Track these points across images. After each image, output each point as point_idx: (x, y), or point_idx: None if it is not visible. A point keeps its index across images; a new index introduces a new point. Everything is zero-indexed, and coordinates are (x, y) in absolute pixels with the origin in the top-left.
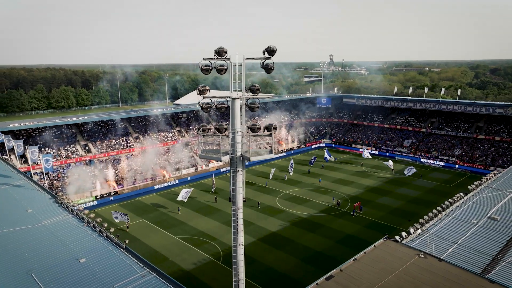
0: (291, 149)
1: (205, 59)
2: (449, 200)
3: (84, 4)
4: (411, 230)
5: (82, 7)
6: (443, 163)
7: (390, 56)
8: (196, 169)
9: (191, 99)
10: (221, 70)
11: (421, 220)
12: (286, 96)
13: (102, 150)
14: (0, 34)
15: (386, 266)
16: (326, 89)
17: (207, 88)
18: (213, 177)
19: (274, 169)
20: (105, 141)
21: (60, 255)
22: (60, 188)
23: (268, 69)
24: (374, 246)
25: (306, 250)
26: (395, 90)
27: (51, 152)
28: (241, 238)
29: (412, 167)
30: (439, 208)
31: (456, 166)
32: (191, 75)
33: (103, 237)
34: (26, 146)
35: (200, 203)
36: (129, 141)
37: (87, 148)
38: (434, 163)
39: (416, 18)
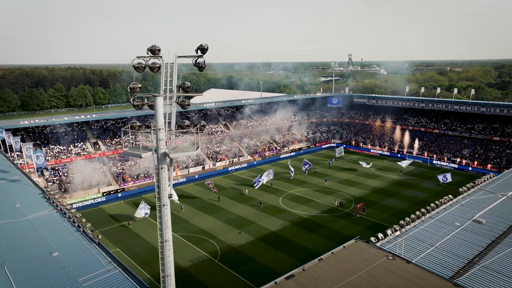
0: (300, 149)
1: (138, 57)
2: (436, 202)
3: (108, 4)
4: (389, 231)
5: (105, 7)
6: (455, 165)
7: (415, 56)
8: (203, 168)
9: (203, 98)
10: (153, 68)
11: (401, 222)
12: (295, 96)
13: (111, 148)
14: (26, 34)
15: (350, 267)
16: (338, 89)
17: (139, 85)
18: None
19: (272, 178)
20: (115, 139)
21: (36, 248)
22: (69, 184)
23: (200, 67)
24: (344, 246)
25: (304, 251)
26: (407, 90)
27: (61, 149)
28: (167, 234)
29: (446, 174)
30: (423, 210)
31: (470, 168)
32: (208, 73)
33: (80, 232)
34: (21, 143)
35: (204, 201)
36: (138, 139)
37: (97, 145)
38: (446, 165)
39: (443, 17)
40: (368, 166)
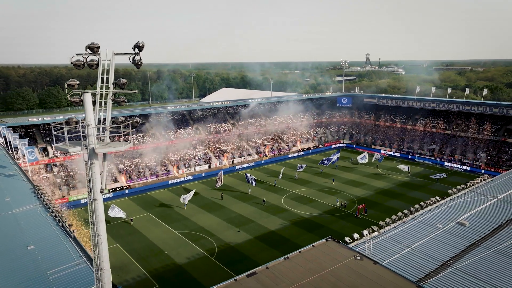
0: (308, 148)
1: (77, 54)
2: (421, 203)
3: (127, 5)
4: (365, 232)
5: (124, 7)
6: (467, 167)
7: (439, 56)
8: (209, 166)
9: (216, 97)
10: (92, 65)
11: (380, 223)
12: (304, 96)
13: None
14: (48, 32)
15: (315, 266)
16: (350, 88)
17: (77, 82)
18: (222, 175)
19: (283, 168)
20: (122, 137)
21: (14, 241)
22: (76, 180)
23: (136, 64)
24: (313, 246)
25: None
26: (418, 89)
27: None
28: (99, 229)
29: (442, 174)
30: (406, 211)
31: (482, 171)
32: (223, 73)
33: (59, 227)
34: (17, 139)
35: (206, 199)
36: (145, 137)
37: None
38: (458, 167)
39: (468, 15)
40: (406, 170)
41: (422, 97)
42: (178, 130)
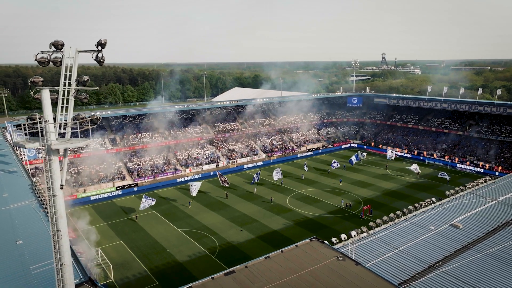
0: (317, 148)
1: (42, 52)
2: (415, 205)
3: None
4: (353, 233)
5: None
6: (480, 169)
7: (459, 55)
8: (217, 165)
9: (227, 97)
10: (56, 63)
11: (370, 224)
12: (313, 95)
13: (128, 144)
14: (71, 33)
15: (295, 266)
16: (359, 88)
17: (41, 79)
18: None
19: (281, 176)
20: (131, 135)
21: (4, 236)
22: (86, 178)
23: (99, 61)
24: (296, 245)
25: None
26: (429, 89)
27: None
28: (60, 224)
29: (444, 172)
30: (398, 212)
31: (497, 173)
32: (236, 73)
33: (50, 223)
34: (20, 137)
35: (212, 198)
36: (154, 136)
37: (115, 141)
38: (471, 169)
39: (489, 13)
40: (416, 171)
41: (434, 97)
42: (187, 129)
